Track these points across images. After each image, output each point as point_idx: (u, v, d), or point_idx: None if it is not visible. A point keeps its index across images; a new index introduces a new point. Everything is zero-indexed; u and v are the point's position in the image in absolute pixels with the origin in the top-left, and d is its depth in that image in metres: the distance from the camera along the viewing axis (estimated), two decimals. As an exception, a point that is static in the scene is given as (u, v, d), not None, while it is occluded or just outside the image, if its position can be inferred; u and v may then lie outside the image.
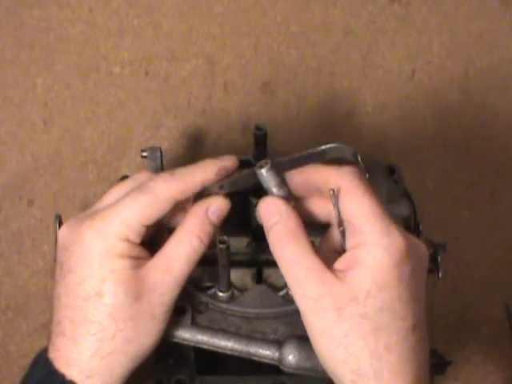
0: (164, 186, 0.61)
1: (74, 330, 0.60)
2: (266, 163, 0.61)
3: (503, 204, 1.09)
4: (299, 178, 0.62)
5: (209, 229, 0.62)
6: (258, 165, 0.61)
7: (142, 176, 0.64)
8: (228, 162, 0.63)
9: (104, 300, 0.59)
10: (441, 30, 0.98)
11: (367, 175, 0.62)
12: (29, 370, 0.62)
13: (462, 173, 1.06)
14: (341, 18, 0.95)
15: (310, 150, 0.63)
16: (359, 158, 0.63)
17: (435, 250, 0.76)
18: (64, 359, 0.60)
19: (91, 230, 0.60)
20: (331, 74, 0.97)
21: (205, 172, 0.62)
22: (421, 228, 0.77)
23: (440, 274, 0.76)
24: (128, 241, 0.60)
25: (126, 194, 0.62)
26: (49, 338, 0.62)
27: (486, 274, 1.12)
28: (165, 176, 0.62)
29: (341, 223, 0.59)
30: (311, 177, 0.61)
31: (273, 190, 0.61)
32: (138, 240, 0.60)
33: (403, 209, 0.75)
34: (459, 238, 1.08)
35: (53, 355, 0.60)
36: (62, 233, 0.62)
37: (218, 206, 0.63)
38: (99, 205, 0.64)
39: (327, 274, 0.58)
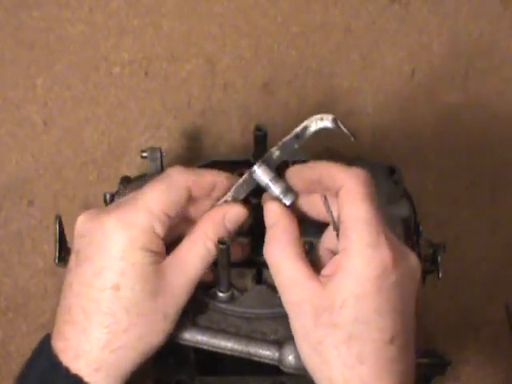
0: (179, 173, 0.62)
1: (86, 320, 0.59)
2: (257, 161, 0.63)
3: (503, 204, 1.09)
4: (310, 173, 0.63)
5: (223, 235, 0.63)
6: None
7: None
8: (235, 176, 0.65)
9: (120, 293, 0.59)
10: (441, 30, 0.98)
11: (352, 139, 0.63)
12: (33, 355, 0.62)
13: (462, 173, 1.06)
14: (341, 18, 0.95)
15: (293, 131, 0.64)
16: (339, 123, 0.63)
17: (435, 250, 0.76)
18: (72, 350, 0.59)
19: (116, 220, 0.60)
20: (331, 74, 0.97)
21: (216, 173, 0.64)
22: (421, 228, 0.77)
23: (440, 274, 0.76)
24: (153, 232, 0.60)
25: (145, 186, 0.62)
26: (55, 324, 0.61)
27: (486, 274, 1.12)
28: (179, 166, 0.63)
29: (336, 227, 0.60)
30: (320, 173, 0.62)
31: (270, 184, 0.63)
32: (161, 232, 0.60)
33: (403, 209, 0.75)
34: (459, 238, 1.08)
35: (60, 345, 0.60)
36: (81, 221, 0.62)
37: (235, 213, 0.64)
38: (121, 199, 0.64)
39: (311, 281, 0.58)
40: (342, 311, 0.57)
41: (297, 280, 0.59)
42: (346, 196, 0.59)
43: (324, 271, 0.59)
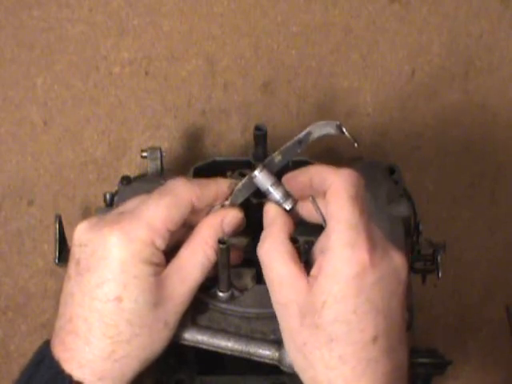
0: (183, 187, 0.62)
1: (89, 331, 0.59)
2: (258, 166, 0.63)
3: (503, 204, 1.09)
4: (303, 178, 0.63)
5: None
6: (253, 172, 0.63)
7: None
8: (236, 182, 0.65)
9: (123, 305, 0.59)
10: (441, 30, 0.98)
11: (356, 145, 0.63)
12: (33, 366, 0.62)
13: (461, 173, 1.06)
14: (341, 18, 0.95)
15: (296, 137, 0.64)
16: (344, 130, 0.63)
17: (435, 250, 0.76)
18: (76, 360, 0.59)
19: (118, 233, 0.60)
20: (331, 74, 0.97)
21: (218, 184, 0.64)
22: (421, 228, 0.77)
23: (440, 274, 0.76)
24: (154, 246, 0.60)
25: (148, 198, 0.62)
26: (56, 332, 0.61)
27: (486, 274, 1.12)
28: (182, 179, 0.63)
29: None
30: (312, 176, 0.62)
31: (270, 189, 0.63)
32: (162, 246, 0.61)
33: (403, 209, 0.75)
34: (459, 237, 1.08)
35: (63, 355, 0.60)
36: (82, 229, 0.62)
37: (233, 217, 0.64)
38: (122, 207, 0.64)
39: (299, 281, 0.58)
40: (322, 312, 0.57)
41: (286, 280, 0.59)
42: (332, 196, 0.59)
43: (312, 272, 0.59)
